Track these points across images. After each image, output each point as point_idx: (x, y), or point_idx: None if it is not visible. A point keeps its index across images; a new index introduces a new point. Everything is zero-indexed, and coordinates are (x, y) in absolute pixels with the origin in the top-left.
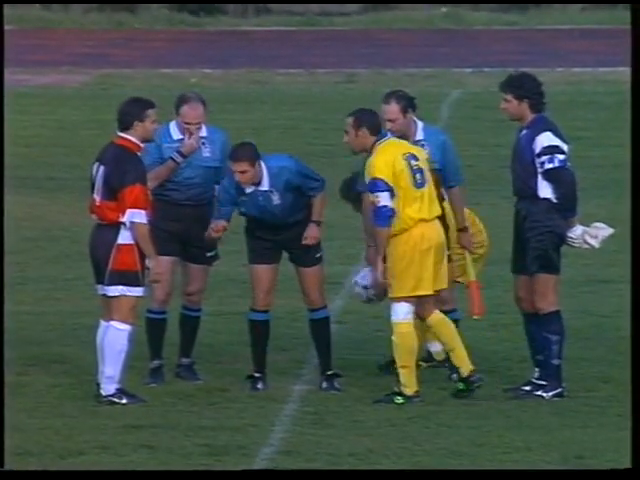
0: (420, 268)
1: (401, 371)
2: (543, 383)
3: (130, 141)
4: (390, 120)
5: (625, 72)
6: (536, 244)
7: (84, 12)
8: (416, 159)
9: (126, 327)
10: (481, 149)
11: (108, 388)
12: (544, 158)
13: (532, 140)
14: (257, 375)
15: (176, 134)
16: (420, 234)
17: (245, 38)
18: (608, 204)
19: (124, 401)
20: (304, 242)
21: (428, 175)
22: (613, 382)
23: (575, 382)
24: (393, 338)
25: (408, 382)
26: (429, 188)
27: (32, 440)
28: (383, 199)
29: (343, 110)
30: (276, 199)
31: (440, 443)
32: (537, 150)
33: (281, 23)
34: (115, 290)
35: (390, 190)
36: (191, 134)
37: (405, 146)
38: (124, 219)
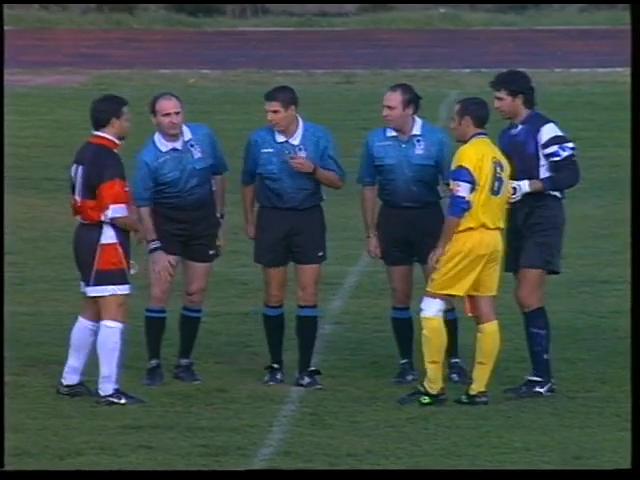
0: (467, 271)
1: (430, 367)
2: (539, 379)
3: (107, 139)
4: (389, 107)
5: (623, 72)
6: (542, 239)
7: (82, 12)
8: (502, 168)
9: (117, 325)
10: None
11: (106, 388)
12: (554, 148)
13: (536, 132)
14: (276, 366)
15: (163, 146)
16: (480, 239)
17: (243, 39)
18: (607, 204)
19: (123, 401)
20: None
21: (505, 188)
22: (612, 382)
23: (574, 382)
24: (424, 332)
25: (435, 378)
26: (501, 199)
27: (30, 441)
28: (463, 189)
29: (342, 111)
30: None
31: (439, 444)
32: (543, 141)
33: (279, 24)
34: (104, 290)
35: (472, 183)
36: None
37: (496, 151)
38: (105, 216)
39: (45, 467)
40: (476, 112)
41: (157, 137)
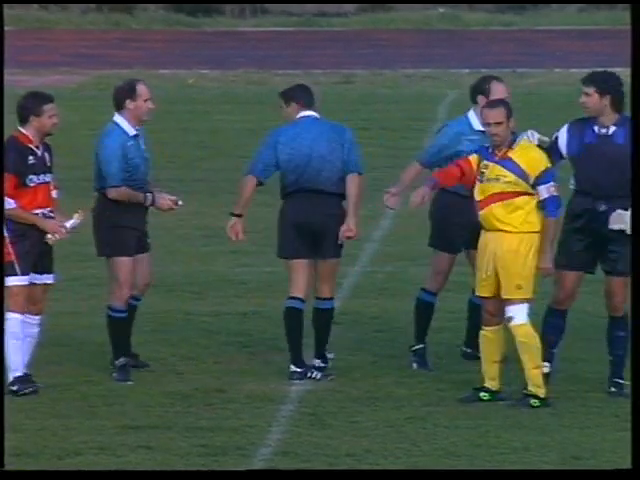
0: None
1: (536, 372)
2: (623, 381)
3: (22, 134)
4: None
5: (623, 73)
6: (628, 245)
7: (82, 13)
8: None
9: (16, 315)
10: None
11: (13, 375)
12: None
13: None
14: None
15: (130, 130)
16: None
17: (242, 39)
18: None
19: (15, 388)
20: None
21: None
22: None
23: (573, 383)
24: (520, 340)
25: (542, 383)
26: None
27: (29, 441)
28: (557, 189)
29: (341, 111)
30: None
31: (438, 444)
32: None
33: (278, 24)
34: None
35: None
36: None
37: None
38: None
39: (44, 467)
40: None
41: (121, 121)
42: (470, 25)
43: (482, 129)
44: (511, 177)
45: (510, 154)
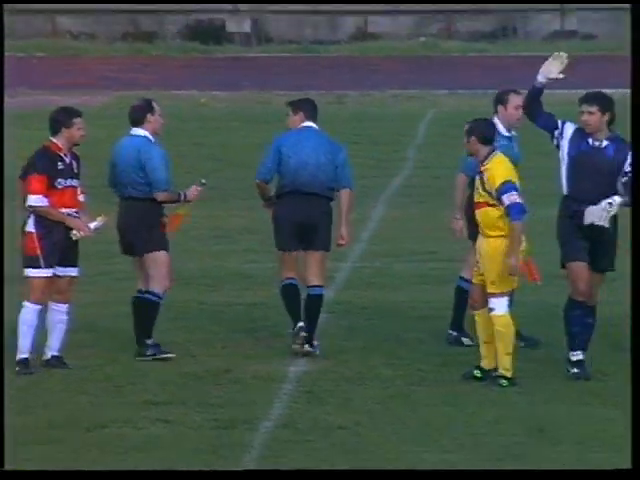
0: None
1: (507, 358)
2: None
3: (53, 143)
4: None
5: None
6: (613, 245)
7: (109, 42)
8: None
9: (31, 305)
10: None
11: (17, 357)
12: (629, 168)
13: (628, 151)
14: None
15: (155, 142)
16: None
17: (249, 64)
18: None
19: (17, 369)
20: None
21: None
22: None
23: (541, 364)
24: (498, 329)
25: (511, 366)
26: None
27: (60, 415)
28: (519, 197)
29: (334, 128)
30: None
31: (419, 418)
32: (629, 160)
33: (280, 50)
34: (25, 272)
35: (518, 190)
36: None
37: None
38: (26, 204)
39: (74, 438)
40: (481, 132)
41: (146, 134)
42: (449, 51)
43: (507, 134)
44: (480, 189)
45: (482, 168)
